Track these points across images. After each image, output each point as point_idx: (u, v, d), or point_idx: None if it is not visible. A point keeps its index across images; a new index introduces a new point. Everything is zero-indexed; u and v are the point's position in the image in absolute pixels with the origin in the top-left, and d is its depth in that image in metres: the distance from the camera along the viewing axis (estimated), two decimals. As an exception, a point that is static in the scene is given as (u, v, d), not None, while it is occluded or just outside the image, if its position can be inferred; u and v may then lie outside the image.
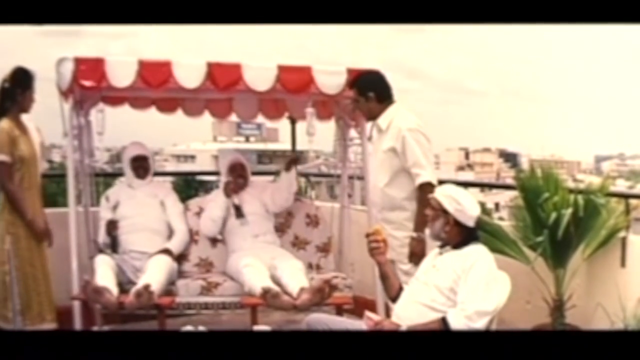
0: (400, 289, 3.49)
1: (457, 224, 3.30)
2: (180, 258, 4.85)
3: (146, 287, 4.13)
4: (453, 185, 3.62)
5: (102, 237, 4.71)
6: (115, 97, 4.87)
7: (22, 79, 4.29)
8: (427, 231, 3.53)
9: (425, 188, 3.84)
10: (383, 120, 4.08)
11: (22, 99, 4.28)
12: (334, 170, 5.64)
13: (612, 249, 4.13)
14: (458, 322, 3.12)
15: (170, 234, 4.87)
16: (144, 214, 4.77)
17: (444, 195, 3.35)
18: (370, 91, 4.09)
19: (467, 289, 3.17)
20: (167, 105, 5.20)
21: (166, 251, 4.63)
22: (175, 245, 4.77)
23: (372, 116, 4.15)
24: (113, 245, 4.66)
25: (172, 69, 4.17)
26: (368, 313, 3.35)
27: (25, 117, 4.38)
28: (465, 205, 3.30)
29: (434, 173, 4.01)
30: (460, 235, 3.31)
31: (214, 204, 4.90)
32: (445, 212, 3.31)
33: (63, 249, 4.32)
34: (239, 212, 4.81)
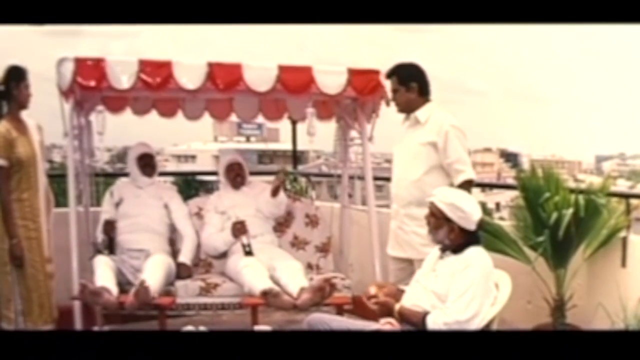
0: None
1: (462, 229, 3.28)
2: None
3: (141, 283, 4.13)
4: (451, 189, 3.61)
5: (100, 236, 4.71)
6: (115, 102, 4.88)
7: (13, 75, 4.26)
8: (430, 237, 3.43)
9: (467, 185, 3.86)
10: (422, 113, 4.07)
11: (18, 93, 4.26)
12: (335, 170, 5.64)
13: (613, 249, 4.13)
14: (436, 326, 3.13)
15: (171, 235, 4.87)
16: (147, 214, 4.78)
17: (445, 204, 3.29)
18: (413, 81, 4.09)
19: (453, 295, 3.17)
20: (167, 109, 5.19)
21: (181, 264, 4.67)
22: (188, 254, 4.77)
23: (410, 108, 4.11)
24: (110, 246, 4.65)
25: (173, 69, 4.16)
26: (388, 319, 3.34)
27: (26, 116, 4.37)
28: (468, 212, 3.28)
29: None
30: (464, 238, 3.29)
31: (220, 239, 4.82)
32: (448, 220, 3.27)
33: (63, 249, 4.31)
34: (247, 252, 4.63)
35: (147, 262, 4.47)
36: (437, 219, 3.30)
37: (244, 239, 4.69)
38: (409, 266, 4.04)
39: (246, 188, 5.03)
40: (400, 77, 4.12)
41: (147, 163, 4.93)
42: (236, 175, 5.00)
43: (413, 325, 3.22)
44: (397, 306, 3.30)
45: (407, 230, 4.06)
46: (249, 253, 4.62)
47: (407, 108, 4.14)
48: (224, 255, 4.84)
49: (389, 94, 4.28)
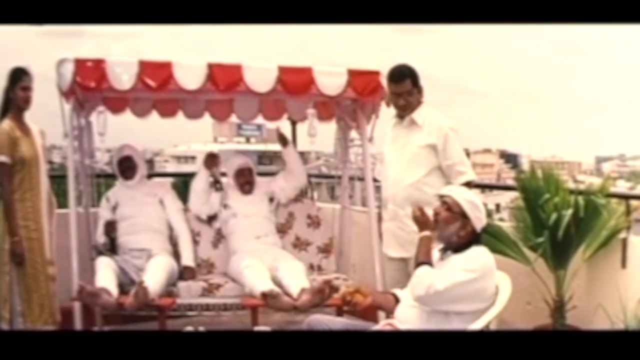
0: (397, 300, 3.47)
1: (472, 228, 3.26)
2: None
3: (140, 284, 4.13)
4: (466, 189, 3.60)
5: (101, 238, 4.71)
6: (116, 103, 4.88)
7: (11, 76, 4.26)
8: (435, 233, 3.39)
9: (467, 187, 3.87)
10: (418, 115, 4.08)
11: (13, 96, 4.25)
12: (335, 171, 5.63)
13: (613, 250, 4.13)
14: (419, 278, 3.19)
15: (171, 232, 4.87)
16: (145, 213, 4.78)
17: (466, 200, 3.27)
18: (419, 83, 4.11)
19: (448, 270, 3.18)
20: (167, 109, 5.20)
21: (186, 268, 4.70)
22: (189, 256, 4.80)
23: (416, 107, 4.10)
24: (112, 247, 4.65)
25: (173, 70, 4.16)
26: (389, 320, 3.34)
27: (29, 120, 4.36)
28: (483, 213, 3.29)
29: None
30: (470, 238, 3.27)
31: (196, 177, 4.98)
32: (463, 216, 3.25)
33: (64, 250, 4.31)
34: (217, 185, 4.90)
35: (149, 263, 4.48)
36: (453, 214, 3.26)
37: (215, 171, 4.89)
38: (404, 267, 4.06)
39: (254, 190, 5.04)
40: (414, 79, 4.11)
41: (126, 167, 4.91)
42: (246, 183, 4.99)
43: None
44: (368, 300, 3.38)
45: (409, 230, 4.06)
46: (219, 189, 4.87)
47: (415, 108, 4.11)
48: (213, 218, 4.96)
49: (389, 96, 4.27)
